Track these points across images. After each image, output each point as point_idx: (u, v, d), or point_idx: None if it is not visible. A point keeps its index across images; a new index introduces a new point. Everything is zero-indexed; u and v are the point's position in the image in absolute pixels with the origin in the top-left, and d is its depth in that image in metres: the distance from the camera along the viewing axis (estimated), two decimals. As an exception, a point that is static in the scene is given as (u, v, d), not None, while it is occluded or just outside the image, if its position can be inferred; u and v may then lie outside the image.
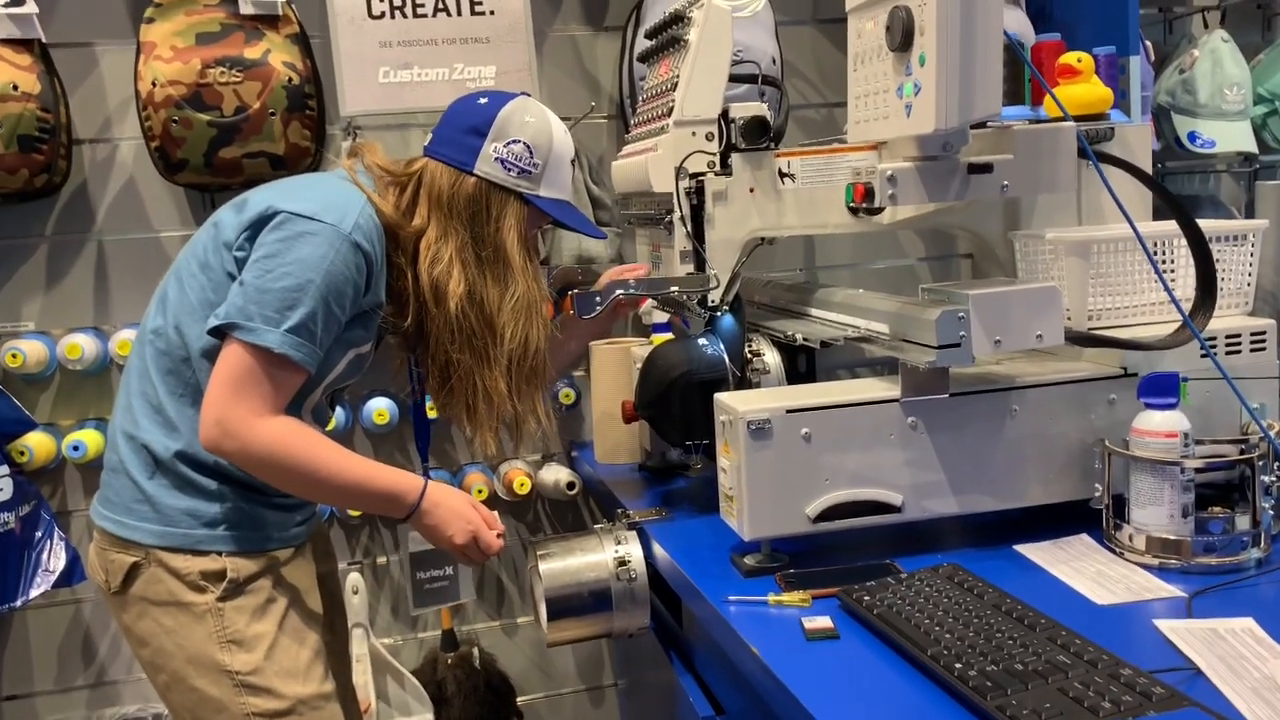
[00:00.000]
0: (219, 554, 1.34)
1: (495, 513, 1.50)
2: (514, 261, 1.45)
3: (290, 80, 1.91)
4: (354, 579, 2.08)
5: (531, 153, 1.45)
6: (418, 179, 1.45)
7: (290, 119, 1.92)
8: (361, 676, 2.03)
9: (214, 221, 1.39)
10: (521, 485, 2.16)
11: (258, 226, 1.32)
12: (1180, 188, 2.50)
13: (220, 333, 1.29)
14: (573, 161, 1.55)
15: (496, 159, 1.43)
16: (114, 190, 2.08)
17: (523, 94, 1.51)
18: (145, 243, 2.10)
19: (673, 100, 1.64)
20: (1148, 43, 2.19)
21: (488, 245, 1.44)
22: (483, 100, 1.48)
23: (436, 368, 1.50)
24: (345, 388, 1.51)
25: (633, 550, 1.59)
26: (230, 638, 1.33)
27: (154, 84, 1.86)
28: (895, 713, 1.01)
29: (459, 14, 1.95)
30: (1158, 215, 1.63)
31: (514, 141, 1.44)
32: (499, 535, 1.47)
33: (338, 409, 1.80)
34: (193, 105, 1.87)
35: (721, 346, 1.61)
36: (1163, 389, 1.30)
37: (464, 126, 1.45)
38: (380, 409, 2.08)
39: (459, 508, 1.43)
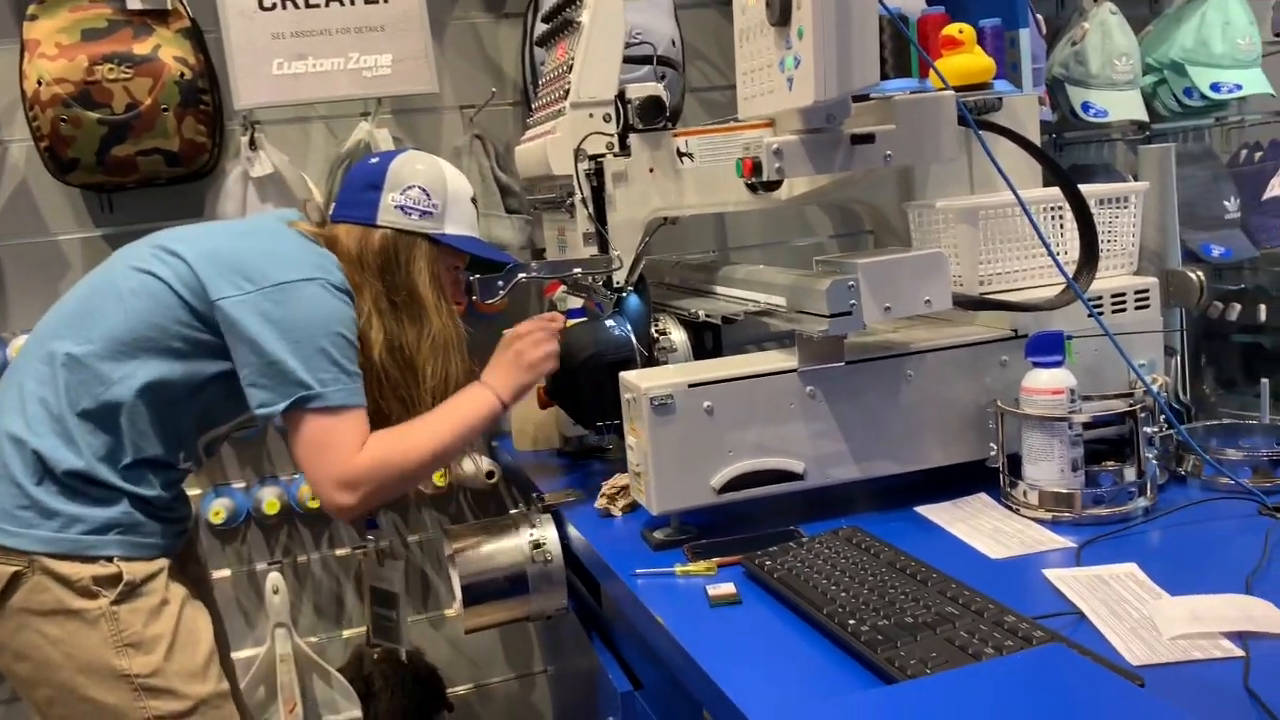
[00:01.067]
0: (110, 559, 1.32)
1: (537, 319, 1.57)
2: (427, 301, 1.49)
3: (182, 75, 1.88)
4: (274, 578, 2.05)
5: (428, 194, 1.50)
6: (330, 244, 1.47)
7: (184, 114, 1.89)
8: (286, 676, 2.01)
9: (175, 266, 1.38)
10: (440, 477, 2.15)
11: (256, 299, 1.34)
12: (1078, 157, 2.57)
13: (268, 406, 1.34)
14: (473, 199, 1.58)
15: (397, 207, 1.48)
16: (6, 193, 2.03)
17: (410, 148, 1.61)
18: (42, 246, 2.05)
19: (569, 83, 1.65)
20: (1039, 16, 2.25)
21: (401, 290, 1.48)
22: (374, 160, 1.55)
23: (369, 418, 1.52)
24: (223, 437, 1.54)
25: (548, 533, 1.60)
26: (127, 641, 1.31)
27: (40, 83, 1.82)
28: (792, 671, 1.03)
29: (352, 3, 1.93)
30: (1049, 183, 1.68)
31: (410, 187, 1.49)
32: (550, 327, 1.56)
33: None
34: (81, 103, 1.83)
35: (629, 327, 1.62)
36: (1048, 347, 1.34)
37: (360, 185, 1.51)
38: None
39: (520, 363, 1.51)
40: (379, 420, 1.46)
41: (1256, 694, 0.85)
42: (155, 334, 1.34)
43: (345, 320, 1.38)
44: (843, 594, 1.11)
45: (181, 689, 1.33)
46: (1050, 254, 1.39)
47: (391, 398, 1.48)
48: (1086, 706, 0.75)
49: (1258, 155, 2.60)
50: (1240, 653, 0.93)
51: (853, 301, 1.32)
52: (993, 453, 1.41)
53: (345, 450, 1.34)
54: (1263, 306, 2.38)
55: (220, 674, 1.40)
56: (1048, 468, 1.33)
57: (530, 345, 1.53)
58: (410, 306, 1.48)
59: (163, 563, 1.38)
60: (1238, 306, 2.41)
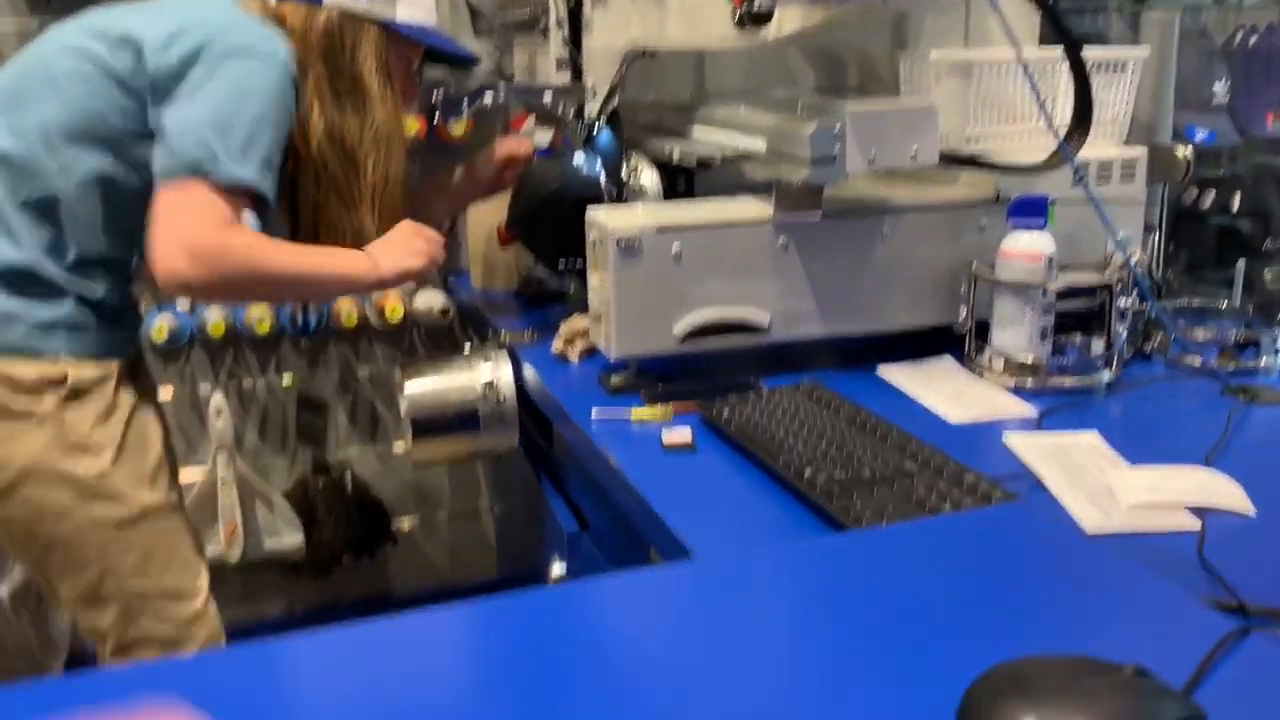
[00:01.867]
0: (56, 357, 1.26)
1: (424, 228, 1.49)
2: (372, 91, 1.40)
3: None
4: (217, 400, 2.01)
5: None
6: (276, 24, 1.35)
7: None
8: (227, 499, 1.99)
9: (111, 42, 1.25)
10: (394, 311, 2.09)
11: (191, 57, 1.23)
12: (1070, 26, 2.47)
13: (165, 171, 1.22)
14: None
15: None
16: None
17: None
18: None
19: (550, -108, 1.53)
20: None
21: (344, 77, 1.39)
22: None
23: (306, 216, 1.44)
24: None
25: (502, 372, 1.56)
26: (74, 443, 1.26)
27: None
28: (744, 516, 1.01)
29: None
30: (1044, 43, 1.61)
31: None
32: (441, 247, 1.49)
33: None
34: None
35: (599, 164, 1.55)
36: (1032, 209, 1.30)
37: None
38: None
39: (411, 246, 1.43)
40: (314, 218, 1.40)
41: (1209, 562, 0.85)
42: (94, 122, 1.24)
43: (281, 101, 1.27)
44: (800, 446, 1.09)
45: (129, 495, 1.29)
46: (1043, 111, 1.33)
47: (330, 192, 1.40)
48: (1043, 560, 0.74)
49: (1253, 39, 2.52)
50: (1197, 524, 0.92)
51: (837, 147, 1.26)
52: (962, 317, 1.39)
53: (212, 220, 1.21)
54: (1238, 194, 2.35)
55: (169, 485, 1.37)
56: (1016, 334, 1.31)
57: (426, 239, 1.44)
58: (354, 95, 1.39)
59: (112, 366, 1.32)
60: (1212, 193, 2.38)
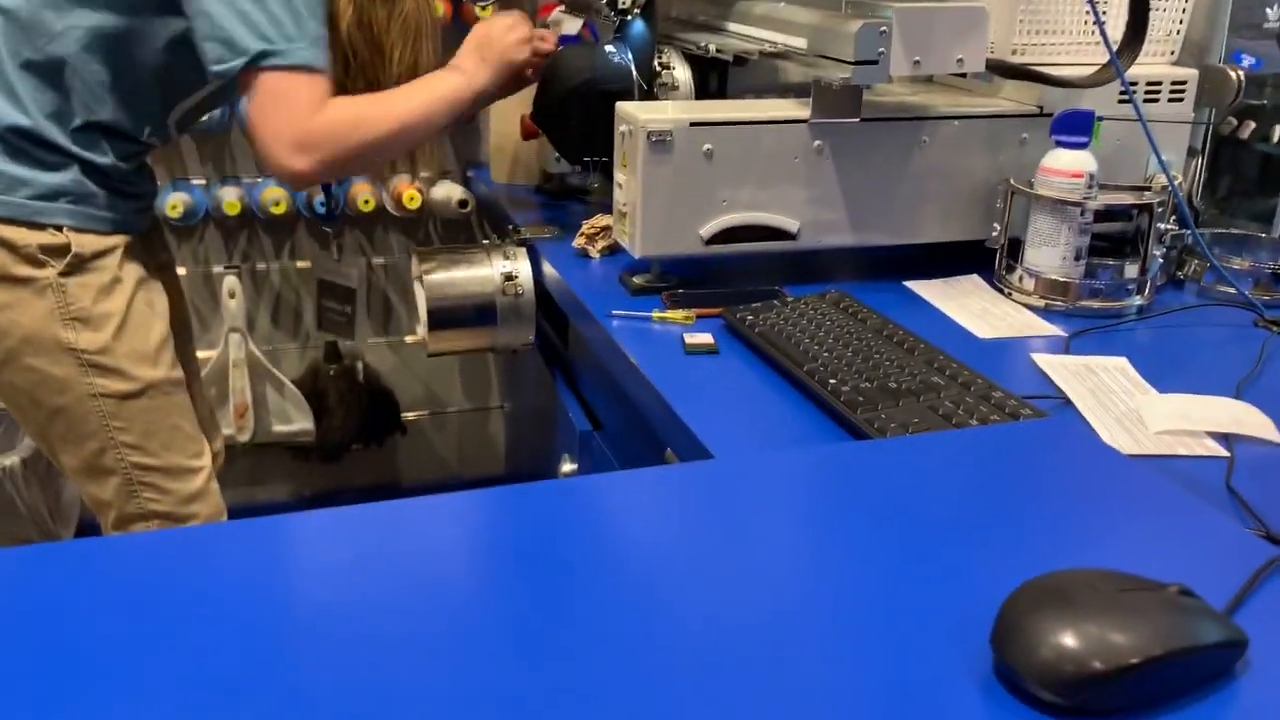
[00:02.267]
0: (59, 228, 1.23)
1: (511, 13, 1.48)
2: None
3: None
4: (230, 282, 1.99)
5: None
6: None
7: None
8: (238, 381, 1.99)
9: None
10: (411, 200, 2.06)
11: None
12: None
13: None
14: None
15: None
16: None
17: None
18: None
19: None
20: None
21: None
22: None
23: None
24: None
25: (521, 266, 1.54)
26: (75, 315, 1.24)
27: None
28: (764, 421, 1.00)
29: None
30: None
31: None
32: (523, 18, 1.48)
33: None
34: None
35: (630, 55, 1.50)
36: (1076, 126, 1.26)
37: None
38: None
39: (491, 46, 1.42)
40: None
41: (1237, 491, 0.84)
42: None
43: None
44: (825, 354, 1.07)
45: (130, 370, 1.28)
46: (1098, 21, 1.28)
47: (359, 78, 1.37)
48: (1077, 476, 0.73)
49: (1311, -37, 2.42)
50: (1225, 453, 0.91)
51: (881, 49, 1.21)
52: (995, 233, 1.35)
53: (303, 109, 1.21)
54: (1278, 128, 2.28)
55: (173, 361, 1.35)
56: (1050, 254, 1.28)
57: (501, 30, 1.42)
58: None
59: (118, 240, 1.29)
60: (1252, 123, 2.31)
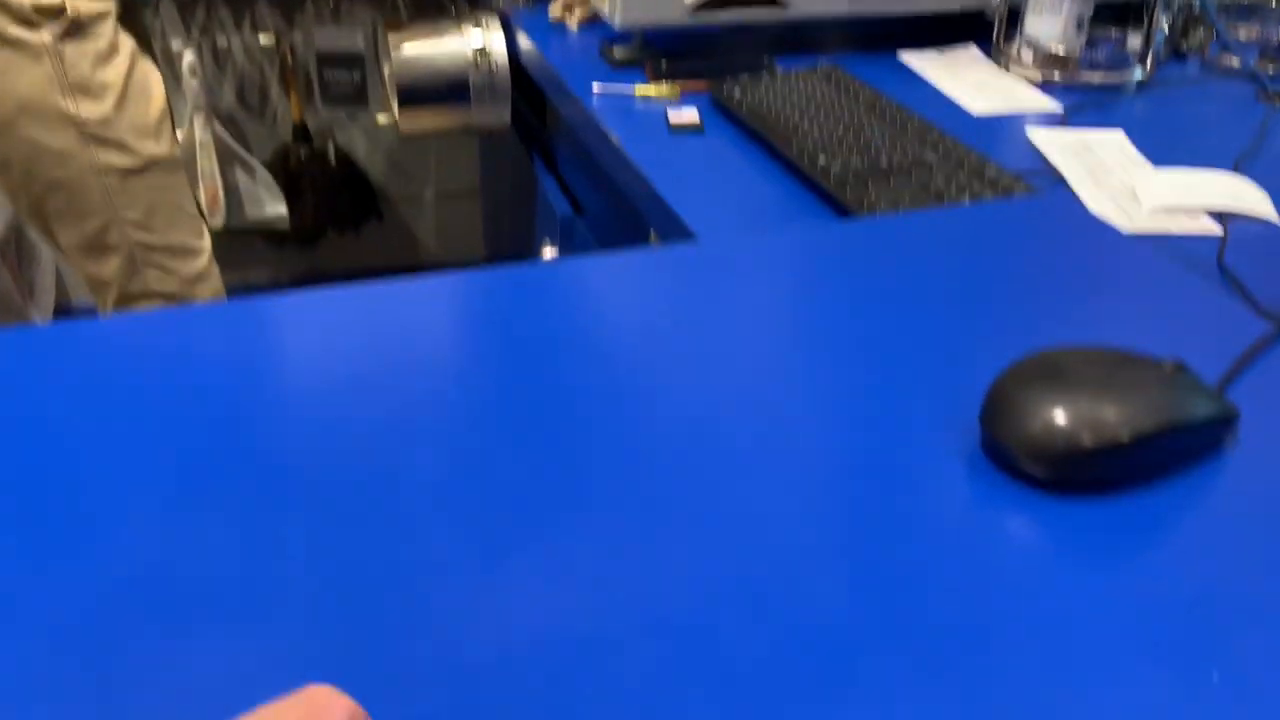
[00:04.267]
0: None
1: None
2: None
3: None
4: (190, 60, 1.89)
5: None
6: None
7: None
8: (206, 164, 1.92)
9: None
10: (377, -33, 1.93)
11: None
12: None
13: None
14: None
15: None
16: None
17: None
18: None
19: None
20: None
21: None
22: None
23: None
24: None
25: (494, 39, 1.46)
26: (74, 83, 1.17)
27: None
28: (753, 203, 0.97)
29: None
30: None
31: None
32: None
33: None
34: None
35: None
36: (1089, -120, 1.17)
37: None
38: None
39: None
40: None
41: (1229, 269, 0.82)
42: None
43: None
44: (815, 131, 1.03)
45: (133, 144, 1.23)
46: None
47: None
48: (1069, 252, 0.71)
49: None
50: (1219, 230, 0.89)
51: None
52: (995, 1, 1.28)
53: None
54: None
55: (174, 138, 1.30)
56: (1051, 22, 1.22)
57: None
58: None
59: (110, 4, 1.21)
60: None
